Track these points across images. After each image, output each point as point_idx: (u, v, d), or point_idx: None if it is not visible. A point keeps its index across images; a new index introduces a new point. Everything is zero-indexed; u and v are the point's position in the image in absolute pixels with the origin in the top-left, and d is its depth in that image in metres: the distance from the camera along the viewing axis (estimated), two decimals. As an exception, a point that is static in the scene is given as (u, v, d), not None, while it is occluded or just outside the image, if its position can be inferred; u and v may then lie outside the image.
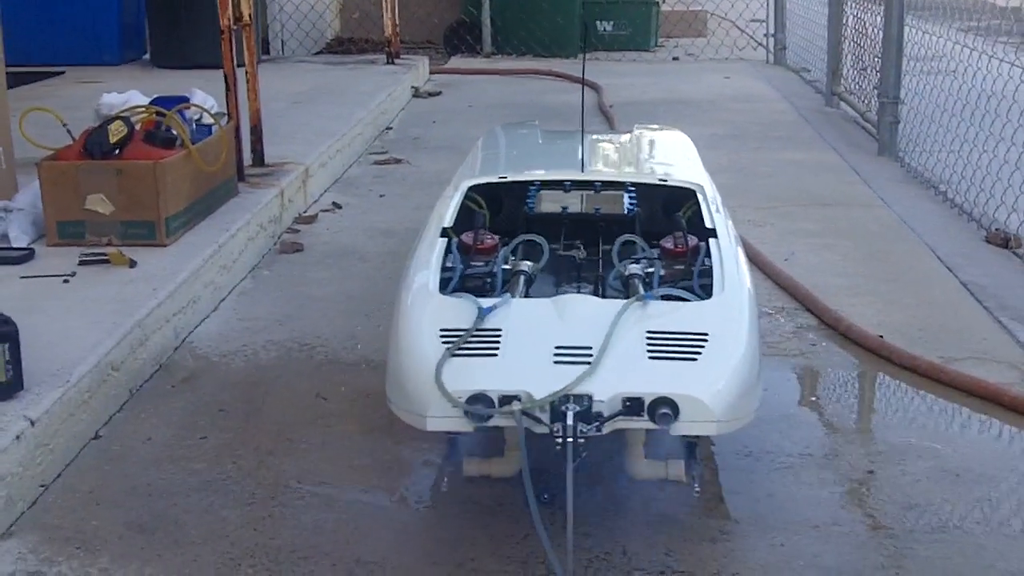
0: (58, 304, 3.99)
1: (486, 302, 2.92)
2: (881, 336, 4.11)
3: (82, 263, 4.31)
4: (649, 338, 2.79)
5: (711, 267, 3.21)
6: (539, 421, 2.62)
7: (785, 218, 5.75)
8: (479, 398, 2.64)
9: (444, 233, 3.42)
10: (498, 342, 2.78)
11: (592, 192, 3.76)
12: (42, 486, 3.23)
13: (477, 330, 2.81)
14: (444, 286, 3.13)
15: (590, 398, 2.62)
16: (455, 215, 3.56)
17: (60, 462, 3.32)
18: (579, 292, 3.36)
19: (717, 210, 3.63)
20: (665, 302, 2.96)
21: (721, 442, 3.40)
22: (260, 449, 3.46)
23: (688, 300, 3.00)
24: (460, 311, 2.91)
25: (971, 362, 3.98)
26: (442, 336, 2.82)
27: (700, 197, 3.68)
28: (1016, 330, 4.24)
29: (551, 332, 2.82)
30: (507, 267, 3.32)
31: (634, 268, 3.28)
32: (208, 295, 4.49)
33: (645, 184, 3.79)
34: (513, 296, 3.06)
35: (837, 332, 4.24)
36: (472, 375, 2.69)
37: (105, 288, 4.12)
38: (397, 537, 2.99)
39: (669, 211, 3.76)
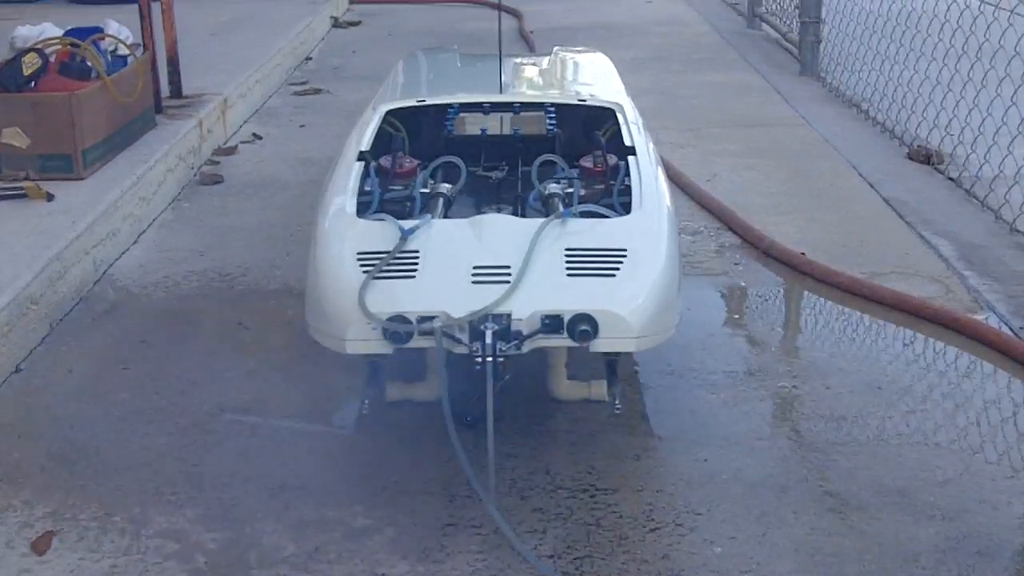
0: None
1: (406, 224, 2.89)
2: (803, 253, 4.15)
3: (-1, 197, 4.23)
4: (568, 255, 2.78)
5: (630, 185, 3.21)
6: (458, 341, 2.61)
7: (708, 139, 5.77)
8: (398, 319, 2.63)
9: (362, 157, 3.38)
10: (416, 263, 2.77)
11: (512, 114, 3.74)
12: (-41, 421, 3.18)
13: (396, 253, 2.79)
14: (362, 211, 3.10)
15: (509, 316, 2.61)
16: (372, 139, 3.52)
17: (-23, 398, 3.28)
18: (499, 212, 3.36)
19: (637, 129, 3.62)
20: (584, 219, 2.95)
21: (644, 361, 3.42)
22: (183, 379, 3.43)
23: (607, 217, 3.00)
24: (378, 233, 2.88)
25: (894, 276, 4.03)
26: (360, 259, 2.79)
27: (620, 117, 3.67)
28: (938, 244, 4.30)
29: (469, 252, 2.81)
30: (426, 190, 3.29)
31: (554, 187, 3.26)
32: (127, 228, 4.42)
33: (564, 104, 3.77)
34: (432, 217, 3.04)
35: (759, 250, 4.27)
36: (391, 297, 2.67)
37: (23, 222, 4.04)
38: (321, 461, 2.99)
39: (589, 131, 3.75)
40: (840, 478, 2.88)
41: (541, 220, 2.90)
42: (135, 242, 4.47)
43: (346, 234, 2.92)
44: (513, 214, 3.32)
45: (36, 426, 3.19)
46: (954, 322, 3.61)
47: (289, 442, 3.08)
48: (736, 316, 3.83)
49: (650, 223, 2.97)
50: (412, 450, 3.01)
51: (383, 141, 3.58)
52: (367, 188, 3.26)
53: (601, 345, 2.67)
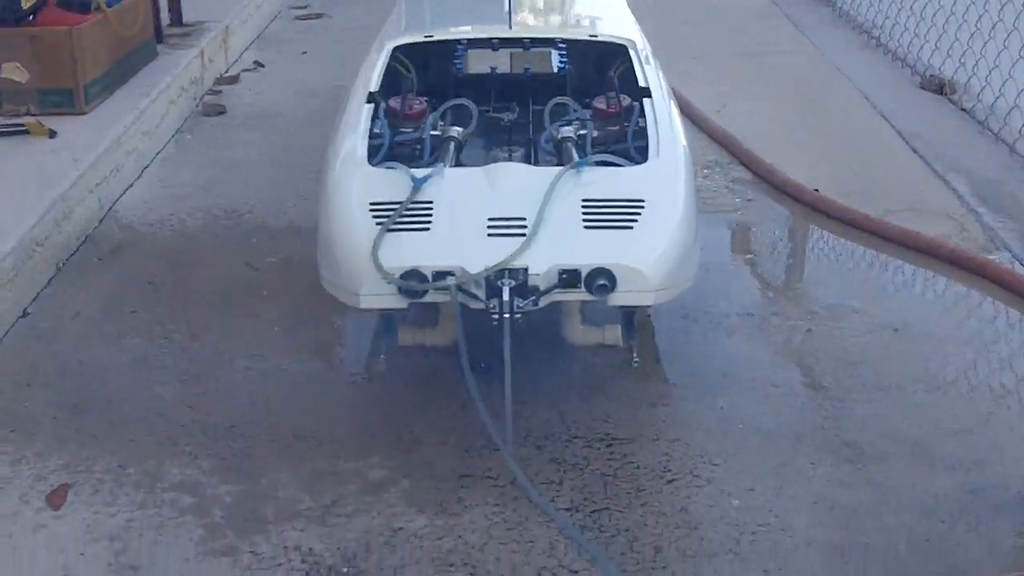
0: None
1: (419, 172, 2.84)
2: (816, 190, 4.10)
3: (0, 134, 4.15)
4: (584, 207, 2.74)
5: (645, 128, 3.16)
6: (474, 297, 2.58)
7: (717, 67, 5.68)
8: (413, 274, 2.59)
9: (371, 98, 3.32)
10: (430, 215, 2.72)
11: (521, 50, 3.67)
12: (-31, 369, 3.16)
13: (409, 204, 2.74)
14: (373, 154, 3.05)
15: (526, 271, 2.57)
16: (381, 78, 3.46)
17: (-15, 345, 3.25)
18: (511, 157, 3.31)
19: (651, 66, 3.55)
20: (599, 168, 2.90)
21: (658, 304, 3.38)
22: (192, 323, 3.40)
23: (623, 166, 2.94)
24: (390, 183, 2.83)
25: (908, 214, 3.99)
26: (373, 210, 2.74)
27: (632, 53, 3.60)
28: (952, 179, 4.25)
29: (484, 203, 2.76)
30: (436, 132, 3.24)
31: (566, 131, 3.21)
32: (131, 163, 4.36)
33: (575, 40, 3.70)
34: (444, 164, 2.99)
35: (772, 185, 4.22)
36: (405, 251, 2.63)
37: (25, 160, 3.98)
38: (334, 410, 2.97)
39: (600, 68, 3.69)
40: (856, 427, 2.87)
41: (556, 169, 2.85)
42: (139, 177, 4.41)
43: (358, 183, 2.86)
44: (525, 158, 3.27)
45: (46, 374, 3.16)
46: (970, 262, 3.58)
47: (301, 390, 3.05)
48: (750, 256, 3.79)
49: (667, 171, 2.91)
50: (426, 397, 2.99)
51: (391, 77, 3.52)
52: (376, 130, 3.21)
53: (619, 299, 2.64)
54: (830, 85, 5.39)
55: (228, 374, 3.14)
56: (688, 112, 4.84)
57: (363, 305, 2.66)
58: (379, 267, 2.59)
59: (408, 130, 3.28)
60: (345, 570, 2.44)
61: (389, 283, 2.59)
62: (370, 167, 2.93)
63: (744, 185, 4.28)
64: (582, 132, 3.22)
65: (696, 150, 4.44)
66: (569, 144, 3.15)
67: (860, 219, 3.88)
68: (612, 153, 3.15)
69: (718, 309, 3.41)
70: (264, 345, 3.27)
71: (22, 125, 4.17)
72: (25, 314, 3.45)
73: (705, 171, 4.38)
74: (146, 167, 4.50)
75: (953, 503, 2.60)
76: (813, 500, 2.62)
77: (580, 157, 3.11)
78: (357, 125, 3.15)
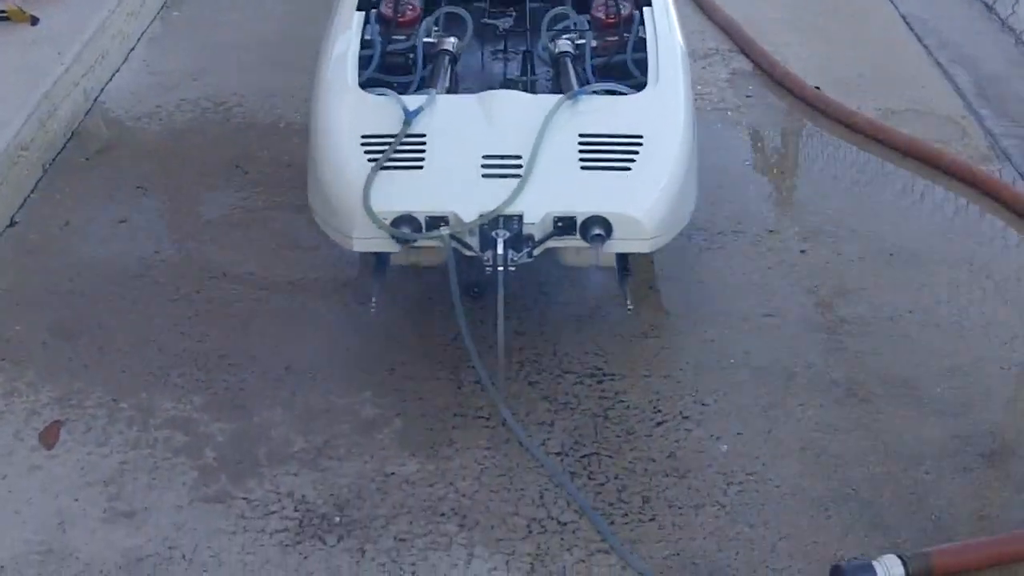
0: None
1: (411, 101, 2.77)
2: (817, 88, 4.01)
3: (-20, 19, 4.04)
4: (581, 143, 2.68)
5: (644, 38, 3.07)
6: (468, 247, 2.55)
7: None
8: (406, 219, 2.55)
9: (362, 4, 3.22)
10: (423, 151, 2.66)
11: None
12: (-42, 287, 3.14)
13: (401, 139, 2.68)
14: (364, 65, 2.98)
15: (520, 219, 2.53)
16: None
17: (-26, 259, 3.22)
18: (506, 70, 3.24)
19: None
20: (597, 98, 2.82)
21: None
22: (182, 233, 3.37)
23: (621, 94, 2.87)
24: (382, 112, 2.76)
25: (909, 115, 3.91)
26: (364, 144, 2.69)
27: None
28: (956, 74, 4.16)
29: (478, 138, 2.70)
30: (430, 40, 3.15)
31: (564, 44, 3.13)
32: (116, 47, 4.24)
33: None
34: (437, 85, 2.92)
35: (772, 79, 4.13)
36: (397, 194, 2.58)
37: (7, 53, 3.87)
38: (326, 342, 2.96)
39: None
40: (847, 363, 2.87)
41: (553, 99, 2.77)
42: (124, 61, 4.30)
43: (348, 114, 2.79)
44: (522, 71, 3.20)
45: (36, 293, 3.14)
46: (970, 175, 3.53)
47: (294, 318, 3.04)
48: (746, 163, 3.73)
49: (667, 102, 2.84)
50: (419, 328, 2.98)
51: None
52: (368, 37, 3.12)
53: (614, 246, 2.60)
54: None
55: (220, 295, 3.12)
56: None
57: (356, 248, 2.63)
58: (371, 213, 2.55)
59: (401, 38, 3.19)
60: (337, 519, 2.48)
61: (381, 230, 2.56)
62: (361, 93, 2.85)
63: (745, 78, 4.18)
64: (580, 42, 3.14)
65: (697, 36, 4.37)
66: (566, 59, 3.08)
67: (861, 123, 3.81)
68: (610, 66, 3.09)
69: (712, 225, 3.37)
70: (256, 262, 3.24)
71: (3, 11, 4.04)
72: (13, 223, 3.41)
73: (705, 61, 4.28)
74: (132, 49, 4.38)
75: (940, 451, 2.63)
76: (801, 446, 2.64)
77: (578, 72, 3.06)
78: (347, 38, 3.06)
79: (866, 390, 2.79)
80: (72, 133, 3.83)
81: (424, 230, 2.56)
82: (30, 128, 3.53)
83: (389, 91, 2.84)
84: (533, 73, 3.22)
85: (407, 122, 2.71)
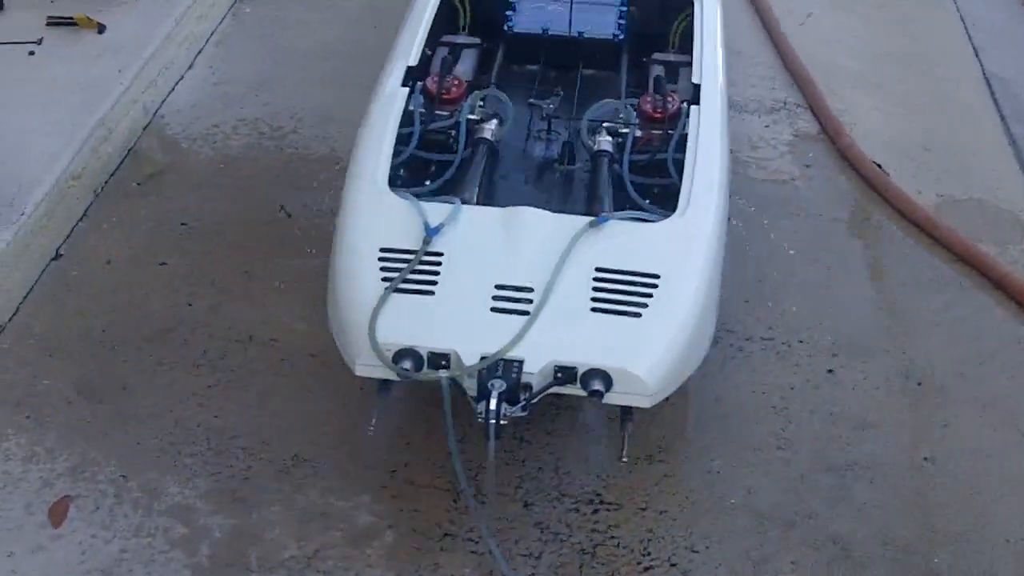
0: (21, 90, 3.80)
1: (434, 214, 2.76)
2: (879, 165, 3.89)
3: (49, 24, 4.07)
4: (596, 278, 2.65)
5: (687, 134, 3.06)
6: (465, 393, 2.55)
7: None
8: (408, 353, 2.57)
9: (408, 76, 3.22)
10: (437, 276, 2.66)
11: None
12: (-3, 329, 3.24)
13: (418, 261, 2.69)
14: (404, 141, 3.05)
15: (520, 366, 2.52)
16: (420, 50, 3.34)
17: (17, 297, 3.31)
18: (548, 152, 3.23)
19: (708, 30, 3.46)
20: (620, 224, 2.78)
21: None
22: (217, 286, 3.42)
23: (648, 219, 2.82)
24: (406, 222, 2.76)
25: (972, 206, 3.79)
26: (382, 259, 2.69)
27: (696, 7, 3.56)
28: (1032, 165, 4.00)
29: (495, 263, 2.69)
30: (473, 117, 3.15)
31: (604, 142, 3.10)
32: (183, 54, 4.27)
33: None
34: (469, 187, 2.92)
35: (836, 149, 4.01)
36: (404, 326, 2.59)
37: (70, 67, 3.91)
38: (338, 429, 2.99)
39: (664, 16, 3.65)
40: (850, 516, 2.83)
41: (577, 222, 2.74)
42: (190, 67, 4.32)
43: (371, 221, 2.80)
44: (560, 158, 3.17)
45: (69, 341, 3.23)
46: (1020, 296, 3.41)
47: (311, 396, 3.07)
48: (791, 251, 3.61)
49: (692, 234, 2.79)
50: (429, 424, 2.96)
51: (444, 14, 3.55)
52: (411, 108, 3.13)
53: (613, 399, 2.58)
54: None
55: (243, 362, 3.18)
56: (769, 21, 4.60)
57: (358, 373, 2.65)
58: (375, 345, 2.57)
59: (444, 114, 3.19)
60: (313, 642, 2.55)
61: (383, 361, 2.58)
62: (388, 197, 2.84)
63: (807, 143, 4.07)
64: (624, 130, 3.11)
65: (767, 84, 4.25)
66: (603, 159, 3.05)
67: (920, 217, 3.68)
68: (651, 164, 3.07)
69: (743, 328, 3.32)
70: (282, 325, 3.28)
71: (71, 18, 4.07)
72: (57, 256, 3.49)
73: (771, 117, 4.18)
74: (199, 52, 4.40)
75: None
76: (783, 615, 2.64)
77: (614, 174, 3.03)
78: (385, 123, 3.06)
79: (863, 552, 2.75)
80: (128, 151, 3.88)
81: (426, 365, 2.57)
82: (83, 157, 3.59)
83: (414, 200, 2.82)
84: (572, 162, 3.20)
85: (427, 240, 2.72)
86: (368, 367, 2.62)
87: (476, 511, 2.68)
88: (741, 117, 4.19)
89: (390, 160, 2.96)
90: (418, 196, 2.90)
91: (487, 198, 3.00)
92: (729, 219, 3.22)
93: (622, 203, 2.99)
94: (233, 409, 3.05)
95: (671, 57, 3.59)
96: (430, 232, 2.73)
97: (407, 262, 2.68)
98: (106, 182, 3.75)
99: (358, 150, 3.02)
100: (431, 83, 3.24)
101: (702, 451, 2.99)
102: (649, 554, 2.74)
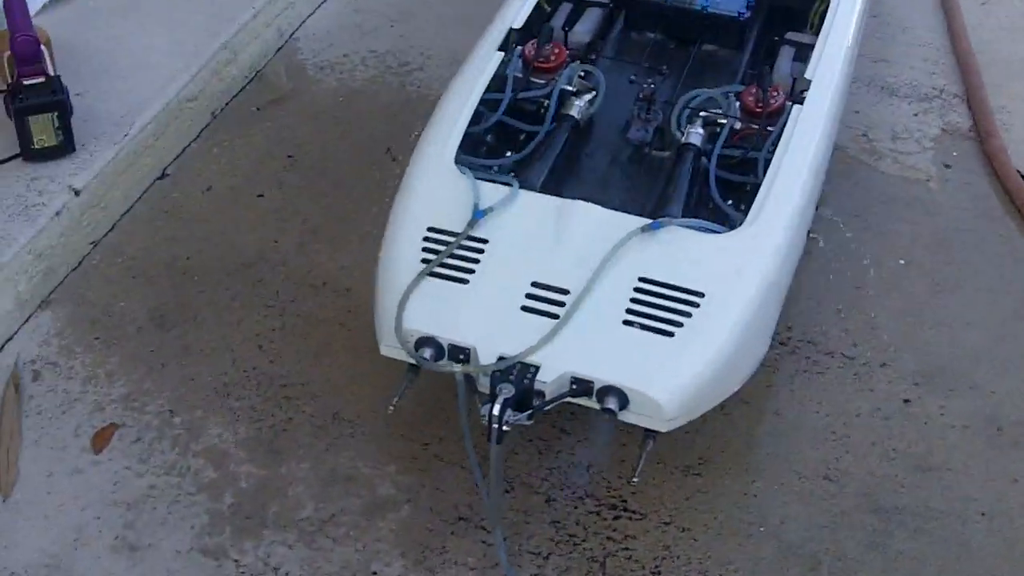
0: (151, 4, 3.88)
1: (487, 195, 2.70)
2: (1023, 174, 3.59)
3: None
4: (637, 288, 2.55)
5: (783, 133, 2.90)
6: (477, 391, 2.51)
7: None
8: (430, 342, 2.54)
9: (505, 42, 3.14)
10: (476, 265, 2.61)
11: None
12: (92, 243, 3.35)
13: (459, 244, 2.64)
14: (493, 108, 3.00)
15: (536, 372, 2.46)
16: (529, 10, 3.25)
17: (115, 215, 3.42)
18: (638, 133, 3.09)
19: (839, 32, 3.22)
20: (676, 232, 2.65)
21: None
22: (307, 224, 3.45)
23: (710, 230, 2.68)
24: (460, 200, 2.71)
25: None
26: (426, 239, 2.66)
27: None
28: None
29: (537, 257, 2.62)
30: (569, 87, 3.06)
31: (694, 134, 2.96)
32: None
33: None
34: (536, 169, 2.84)
35: (984, 151, 3.72)
36: (430, 314, 2.55)
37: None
38: (383, 391, 2.95)
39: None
40: (882, 566, 2.67)
41: (633, 223, 2.63)
42: (337, -11, 4.32)
43: (427, 196, 2.75)
44: (650, 143, 3.04)
45: (155, 266, 3.32)
46: None
47: (367, 353, 3.01)
48: (902, 261, 3.38)
49: (753, 251, 2.63)
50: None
51: None
52: (506, 72, 3.06)
53: (629, 417, 2.50)
54: None
55: (309, 309, 3.20)
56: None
57: (383, 352, 2.64)
58: (399, 329, 2.55)
59: (541, 82, 3.10)
60: (306, 610, 2.60)
61: (404, 347, 2.56)
62: (450, 172, 2.79)
63: (954, 140, 3.78)
64: (723, 122, 2.96)
65: (927, 67, 3.98)
66: (689, 152, 2.91)
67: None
68: (743, 162, 2.92)
69: (826, 340, 3.14)
70: (353, 277, 3.28)
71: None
72: (164, 175, 3.58)
73: (922, 104, 3.89)
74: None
75: None
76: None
77: (698, 168, 2.90)
78: (469, 90, 3.01)
79: (887, 609, 2.62)
80: (255, 74, 3.93)
81: (447, 356, 2.54)
82: (199, 82, 3.65)
83: (471, 177, 2.75)
84: (663, 148, 3.06)
85: (471, 223, 2.66)
86: (391, 348, 2.61)
87: (490, 506, 2.65)
88: (890, 101, 3.92)
89: (463, 131, 2.90)
90: (489, 170, 2.85)
91: (557, 182, 2.91)
92: (810, 234, 3.05)
93: (706, 200, 2.86)
94: (290, 356, 3.09)
95: (806, 39, 3.36)
96: (476, 215, 2.67)
97: (450, 245, 2.64)
98: (227, 103, 3.81)
99: (435, 115, 2.98)
100: (529, 49, 3.14)
101: (745, 470, 2.86)
102: (659, 573, 2.66)
